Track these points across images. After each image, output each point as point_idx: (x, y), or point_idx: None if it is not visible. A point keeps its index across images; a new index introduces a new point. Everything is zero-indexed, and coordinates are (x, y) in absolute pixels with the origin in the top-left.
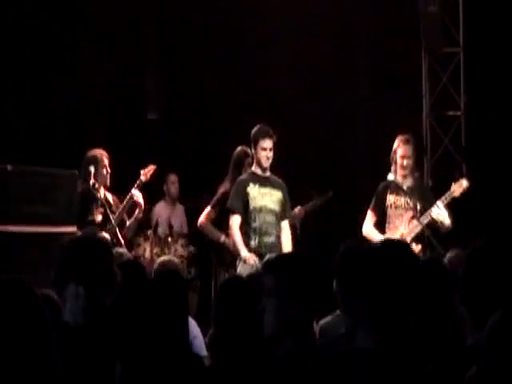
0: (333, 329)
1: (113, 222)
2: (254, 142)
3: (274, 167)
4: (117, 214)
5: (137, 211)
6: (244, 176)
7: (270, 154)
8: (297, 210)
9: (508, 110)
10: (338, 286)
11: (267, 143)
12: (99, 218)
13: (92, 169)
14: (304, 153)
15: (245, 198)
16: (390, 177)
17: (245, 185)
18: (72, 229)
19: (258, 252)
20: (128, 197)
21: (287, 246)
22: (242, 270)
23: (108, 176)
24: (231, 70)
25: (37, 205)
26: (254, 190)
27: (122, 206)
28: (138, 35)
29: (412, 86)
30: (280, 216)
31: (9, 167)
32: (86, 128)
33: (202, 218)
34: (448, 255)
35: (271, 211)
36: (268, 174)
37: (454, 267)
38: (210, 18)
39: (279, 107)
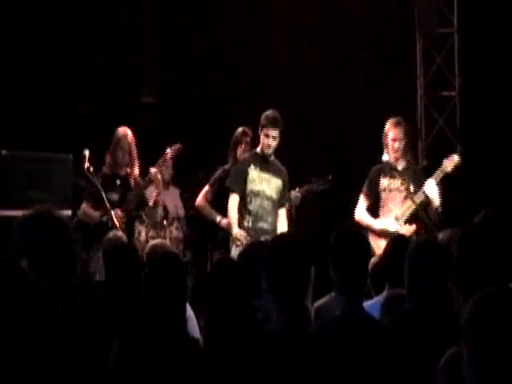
0: (328, 310)
1: (107, 205)
2: (260, 126)
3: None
4: (130, 198)
5: (154, 194)
6: (247, 155)
7: (273, 143)
8: (293, 194)
9: (503, 91)
10: (333, 268)
11: (271, 131)
12: (115, 196)
13: (87, 152)
14: (302, 136)
15: (244, 179)
16: (385, 157)
17: (246, 165)
18: (68, 213)
19: (250, 235)
20: (147, 177)
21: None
22: (235, 251)
23: (125, 158)
24: (230, 53)
25: (32, 189)
26: (254, 173)
27: (137, 189)
28: (135, 17)
29: (406, 66)
30: (277, 204)
31: (3, 152)
32: (81, 111)
33: (199, 198)
34: (441, 236)
35: (268, 198)
36: (272, 158)
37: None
38: (209, 2)
39: (277, 87)
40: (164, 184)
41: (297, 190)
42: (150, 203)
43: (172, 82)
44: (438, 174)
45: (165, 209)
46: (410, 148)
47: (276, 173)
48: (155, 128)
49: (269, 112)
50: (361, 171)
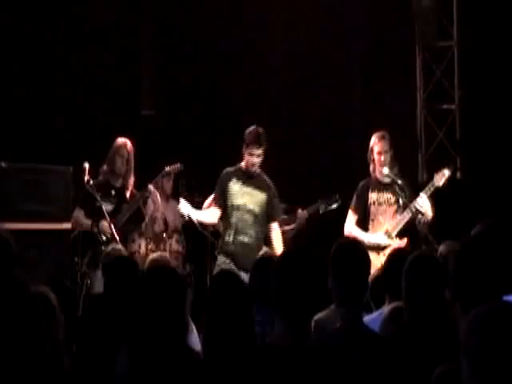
0: (327, 323)
1: (107, 217)
2: (245, 144)
3: (273, 168)
4: (125, 210)
5: (151, 210)
6: (231, 170)
7: (257, 160)
8: (300, 212)
9: (503, 103)
10: (332, 280)
11: (255, 150)
12: (109, 207)
13: (86, 165)
14: (299, 153)
15: (225, 192)
16: (385, 170)
17: (227, 179)
18: (68, 225)
19: (230, 250)
20: (144, 192)
21: (278, 246)
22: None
23: (123, 166)
24: (230, 65)
25: (32, 201)
26: (235, 187)
27: (132, 202)
28: (134, 30)
29: (406, 79)
30: (262, 217)
31: (3, 164)
32: (80, 124)
33: (205, 206)
34: (441, 248)
35: (249, 211)
36: (257, 172)
37: (447, 260)
38: (207, 13)
39: (277, 99)
40: (164, 197)
41: (303, 211)
42: (147, 218)
43: (171, 95)
44: (429, 188)
45: (165, 222)
46: (395, 161)
47: (260, 187)
48: (155, 141)
49: (252, 130)
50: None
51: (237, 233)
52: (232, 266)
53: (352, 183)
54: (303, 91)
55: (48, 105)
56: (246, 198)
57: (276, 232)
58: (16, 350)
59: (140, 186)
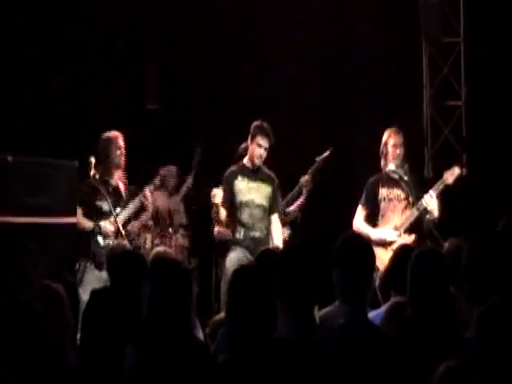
0: (332, 319)
1: (113, 212)
2: (252, 136)
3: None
4: (125, 211)
5: (143, 216)
6: (234, 168)
7: (264, 154)
8: (303, 179)
9: (509, 100)
10: (336, 275)
11: (264, 142)
12: (106, 206)
13: (92, 159)
14: (305, 148)
15: (232, 191)
16: (391, 166)
17: (232, 178)
18: (72, 219)
19: (243, 245)
20: (140, 196)
21: (278, 239)
22: (228, 264)
23: (122, 157)
24: (232, 59)
25: (37, 196)
26: (241, 184)
27: (131, 205)
28: (138, 24)
29: (412, 76)
30: (268, 210)
31: (9, 158)
32: (85, 118)
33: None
34: (447, 245)
35: (258, 206)
36: (260, 166)
37: (453, 258)
38: (211, 6)
39: (279, 93)
40: (168, 192)
41: (305, 176)
42: (131, 225)
43: (177, 89)
44: (439, 185)
45: (170, 217)
46: (407, 157)
47: (265, 180)
48: (160, 135)
49: (261, 122)
50: (362, 181)
51: (248, 229)
52: (248, 255)
53: (358, 180)
54: (309, 89)
55: (53, 99)
56: (254, 193)
57: (276, 225)
58: (22, 346)
59: (143, 180)
